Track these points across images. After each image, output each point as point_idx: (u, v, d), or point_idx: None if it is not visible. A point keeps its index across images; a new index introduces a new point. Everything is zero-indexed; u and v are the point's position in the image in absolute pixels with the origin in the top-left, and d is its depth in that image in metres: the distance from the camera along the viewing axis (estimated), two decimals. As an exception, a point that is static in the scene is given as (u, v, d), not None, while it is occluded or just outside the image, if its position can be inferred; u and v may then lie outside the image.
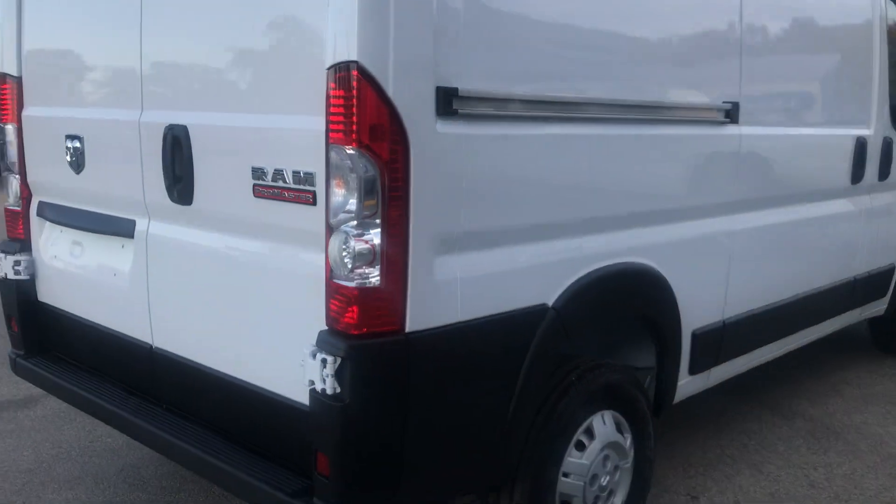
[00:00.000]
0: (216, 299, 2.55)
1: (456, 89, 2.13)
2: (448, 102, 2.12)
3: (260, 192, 2.29)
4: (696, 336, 3.23)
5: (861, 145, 4.22)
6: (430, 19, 2.06)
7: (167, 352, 2.74)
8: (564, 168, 2.54)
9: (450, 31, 2.13)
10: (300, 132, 2.16)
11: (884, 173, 4.53)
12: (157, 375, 2.81)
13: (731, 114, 3.23)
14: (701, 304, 3.24)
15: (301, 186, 2.17)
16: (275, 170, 2.24)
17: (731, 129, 3.25)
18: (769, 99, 3.52)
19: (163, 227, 2.73)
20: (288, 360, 2.22)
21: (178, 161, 2.54)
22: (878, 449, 4.09)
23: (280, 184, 2.23)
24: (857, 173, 4.25)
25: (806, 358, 5.34)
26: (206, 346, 2.61)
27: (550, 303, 2.51)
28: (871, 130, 4.36)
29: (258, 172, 2.28)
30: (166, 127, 2.56)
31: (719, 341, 3.39)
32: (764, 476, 3.78)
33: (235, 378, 2.49)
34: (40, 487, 3.56)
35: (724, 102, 3.19)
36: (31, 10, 3.23)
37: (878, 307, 4.98)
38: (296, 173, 2.18)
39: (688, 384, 3.32)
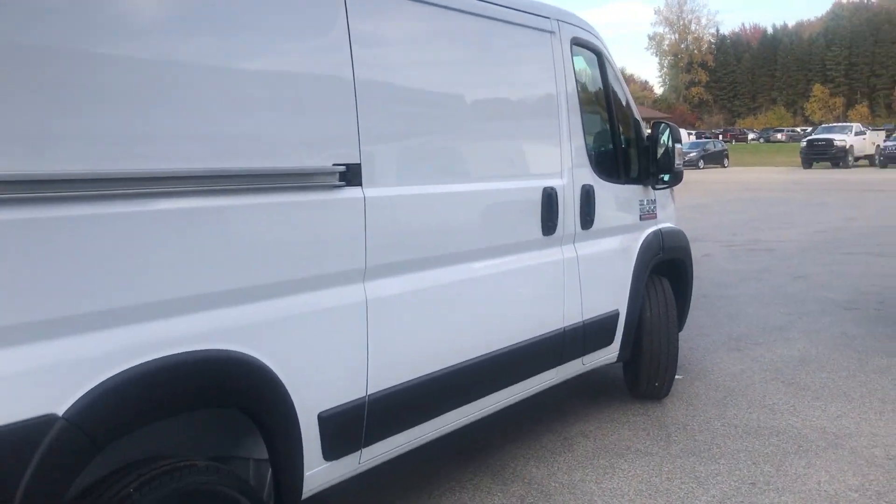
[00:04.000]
0: None
1: None
2: None
3: None
4: (324, 419, 2.96)
5: (549, 196, 4.14)
6: None
7: None
8: (68, 254, 2.22)
9: None
10: None
11: (587, 221, 4.48)
12: None
13: (349, 176, 3.03)
14: (326, 384, 2.98)
15: None
16: None
17: (350, 192, 3.05)
18: (403, 158, 3.36)
19: None
20: None
21: None
22: (582, 509, 3.93)
23: None
24: (549, 224, 4.15)
25: (551, 409, 5.22)
26: None
27: (61, 412, 2.17)
28: (564, 180, 4.30)
29: None
30: None
31: (362, 419, 3.13)
32: (452, 554, 3.54)
33: None
34: None
35: (335, 165, 2.98)
36: None
37: (607, 355, 4.90)
38: None
39: (324, 472, 3.03)
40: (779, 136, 74.54)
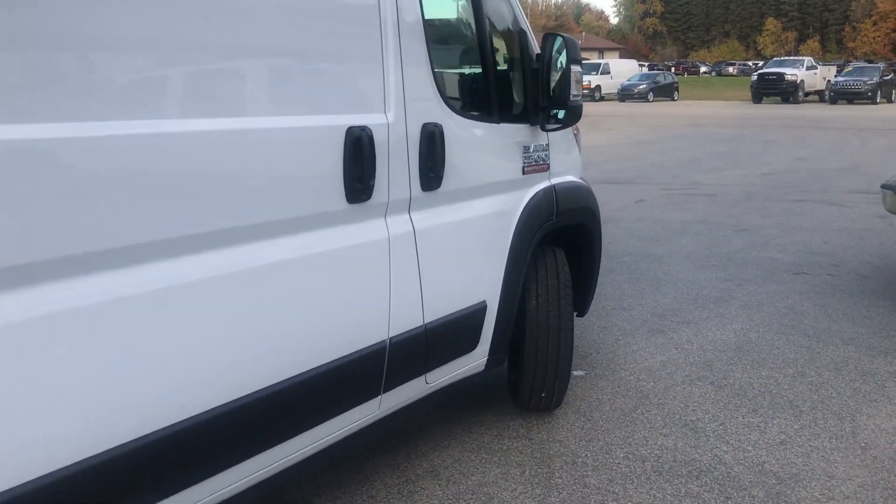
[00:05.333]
0: None
1: None
2: None
3: None
4: None
5: (358, 141, 2.63)
6: None
7: None
8: None
9: None
10: None
11: (431, 179, 3.00)
12: None
13: None
14: None
15: None
16: None
17: None
18: (33, 70, 1.81)
19: None
20: None
21: None
22: None
23: None
24: (358, 186, 2.66)
25: (396, 431, 3.82)
26: None
27: None
28: (389, 117, 2.80)
29: None
30: None
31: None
32: None
33: None
34: None
35: None
36: None
37: (469, 364, 3.49)
38: None
39: None
40: (730, 69, 73.54)
